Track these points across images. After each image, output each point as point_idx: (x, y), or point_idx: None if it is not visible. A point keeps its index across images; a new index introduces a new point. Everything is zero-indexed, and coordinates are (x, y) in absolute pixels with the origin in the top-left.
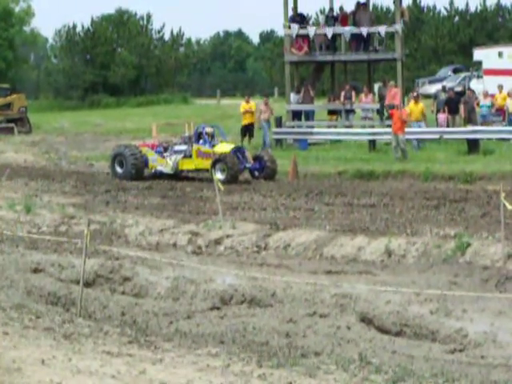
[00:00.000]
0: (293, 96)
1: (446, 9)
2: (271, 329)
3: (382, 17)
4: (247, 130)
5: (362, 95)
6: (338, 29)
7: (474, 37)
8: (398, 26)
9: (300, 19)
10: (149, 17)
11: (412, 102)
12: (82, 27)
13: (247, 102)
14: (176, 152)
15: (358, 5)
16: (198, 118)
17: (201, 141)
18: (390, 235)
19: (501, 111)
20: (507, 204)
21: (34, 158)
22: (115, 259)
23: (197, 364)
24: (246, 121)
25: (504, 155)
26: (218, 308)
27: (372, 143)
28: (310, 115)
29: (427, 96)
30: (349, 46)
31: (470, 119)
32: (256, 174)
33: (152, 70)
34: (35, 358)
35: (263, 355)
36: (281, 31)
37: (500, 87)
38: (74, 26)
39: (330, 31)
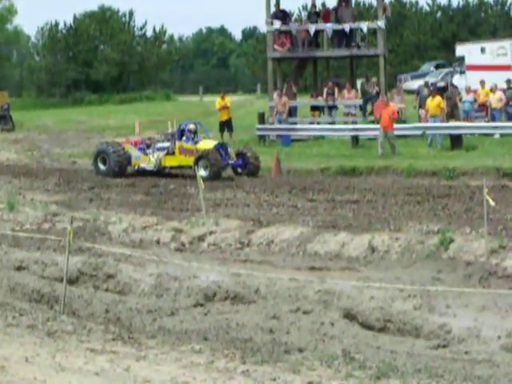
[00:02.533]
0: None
1: (428, 4)
2: (255, 325)
3: (364, 13)
4: (225, 126)
5: (345, 91)
6: (321, 25)
7: (456, 32)
8: (381, 22)
9: (282, 15)
10: (131, 14)
11: (430, 98)
12: (65, 24)
13: (222, 98)
14: (159, 149)
15: (340, 1)
16: (180, 115)
17: (183, 138)
18: (374, 231)
19: (483, 107)
20: (490, 200)
21: (17, 156)
22: (98, 256)
23: (180, 361)
24: (223, 117)
25: (487, 151)
26: (201, 305)
27: (355, 139)
28: (292, 111)
29: (410, 92)
30: (331, 42)
31: (452, 115)
32: (239, 170)
33: (134, 67)
34: (19, 356)
35: (247, 351)
36: (263, 28)
37: (482, 83)
38: (57, 24)
39: (312, 27)
